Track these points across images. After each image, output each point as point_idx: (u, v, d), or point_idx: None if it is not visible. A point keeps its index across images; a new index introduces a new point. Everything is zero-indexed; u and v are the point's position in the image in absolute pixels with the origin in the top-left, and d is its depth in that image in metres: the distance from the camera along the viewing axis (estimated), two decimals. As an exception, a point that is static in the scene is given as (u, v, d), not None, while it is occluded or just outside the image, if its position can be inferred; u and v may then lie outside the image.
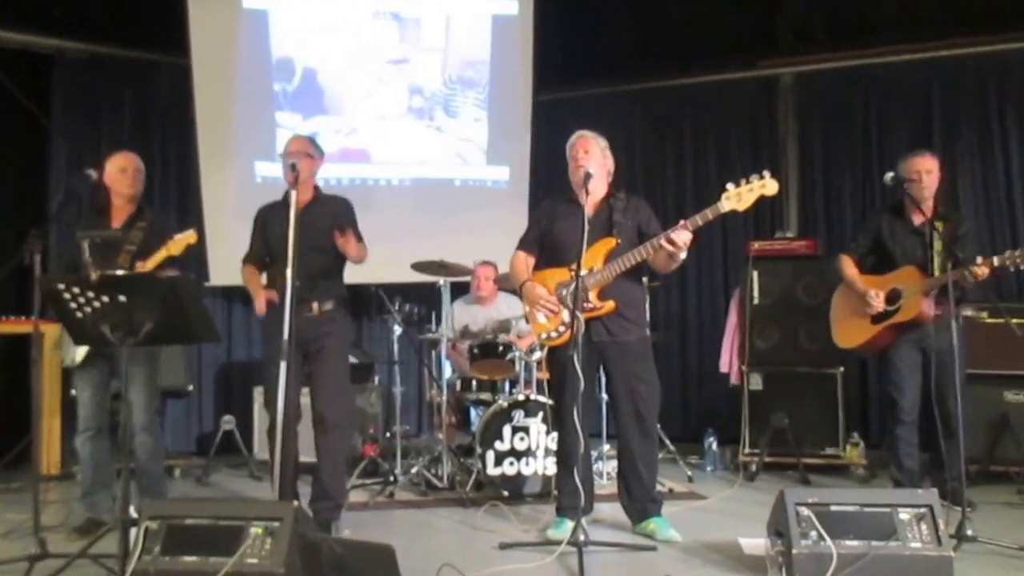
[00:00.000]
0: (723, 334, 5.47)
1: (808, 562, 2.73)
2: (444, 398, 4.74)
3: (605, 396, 4.55)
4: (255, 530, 2.55)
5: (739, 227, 6.19)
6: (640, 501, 3.65)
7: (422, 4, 6.14)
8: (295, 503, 2.72)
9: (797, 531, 2.78)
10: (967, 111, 5.77)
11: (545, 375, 4.27)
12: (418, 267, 4.87)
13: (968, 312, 4.56)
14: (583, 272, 3.38)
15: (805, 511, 2.82)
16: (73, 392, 4.00)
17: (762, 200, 3.43)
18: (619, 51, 6.60)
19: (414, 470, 4.65)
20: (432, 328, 5.22)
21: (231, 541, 2.54)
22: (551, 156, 5.32)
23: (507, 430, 4.31)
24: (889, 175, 3.80)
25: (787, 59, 6.31)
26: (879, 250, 4.17)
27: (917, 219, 4.05)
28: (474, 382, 4.75)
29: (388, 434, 5.17)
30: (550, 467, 4.22)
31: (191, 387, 5.56)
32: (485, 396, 4.71)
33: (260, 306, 3.72)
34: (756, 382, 5.16)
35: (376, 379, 5.68)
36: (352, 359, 5.56)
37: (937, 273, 3.91)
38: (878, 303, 4.02)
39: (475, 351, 4.67)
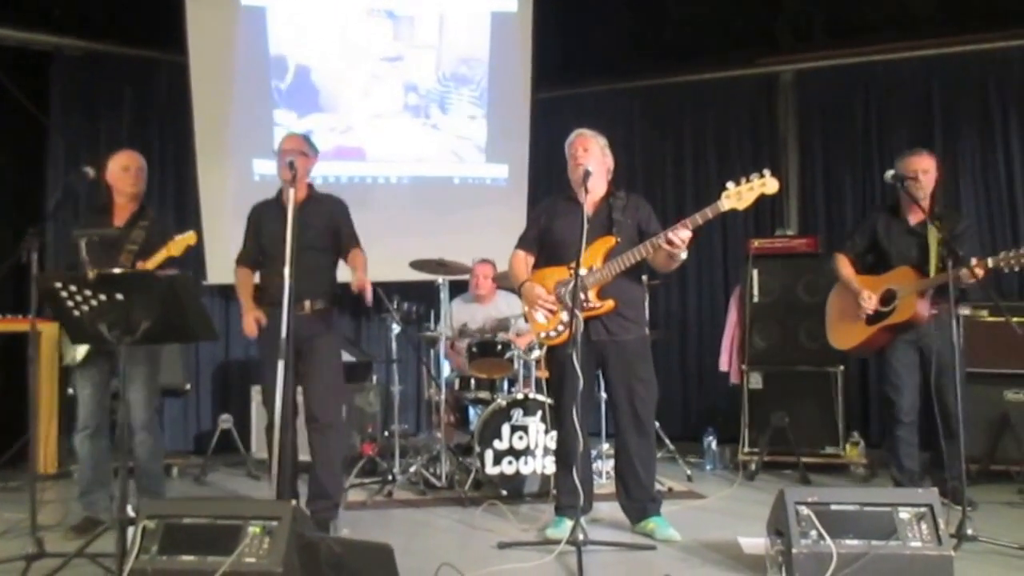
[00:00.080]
0: (723, 333, 5.46)
1: (808, 561, 2.71)
2: (443, 397, 4.73)
3: (604, 395, 4.54)
4: (253, 529, 2.54)
5: (739, 225, 6.18)
6: (639, 500, 3.64)
7: (416, 1, 6.12)
8: (293, 502, 2.71)
9: (797, 530, 2.77)
10: (968, 109, 5.76)
11: (544, 374, 4.27)
12: (417, 265, 4.86)
13: (966, 311, 4.55)
14: (582, 271, 3.37)
15: (805, 510, 2.80)
16: (71, 391, 3.99)
17: (762, 198, 3.42)
18: (619, 48, 6.59)
19: (412, 469, 4.64)
20: (431, 327, 5.20)
21: (229, 540, 2.53)
22: (550, 154, 5.31)
23: (506, 429, 4.30)
24: (890, 173, 3.79)
25: (787, 57, 6.30)
26: (875, 250, 4.16)
27: (913, 219, 4.04)
28: (473, 381, 4.74)
29: (386, 433, 5.16)
30: (549, 466, 4.21)
31: (189, 386, 5.56)
32: (484, 395, 4.70)
33: (248, 327, 3.71)
34: (756, 381, 5.15)
35: (374, 378, 5.67)
36: (350, 358, 5.58)
37: (933, 273, 3.90)
38: (870, 305, 4.01)
39: (474, 350, 4.66)
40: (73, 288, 2.79)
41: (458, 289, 5.39)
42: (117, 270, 3.13)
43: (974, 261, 3.62)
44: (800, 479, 4.71)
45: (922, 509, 2.80)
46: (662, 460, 4.70)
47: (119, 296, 2.78)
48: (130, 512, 2.79)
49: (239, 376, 6.06)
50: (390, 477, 4.56)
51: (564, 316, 3.53)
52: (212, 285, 5.76)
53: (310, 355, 3.66)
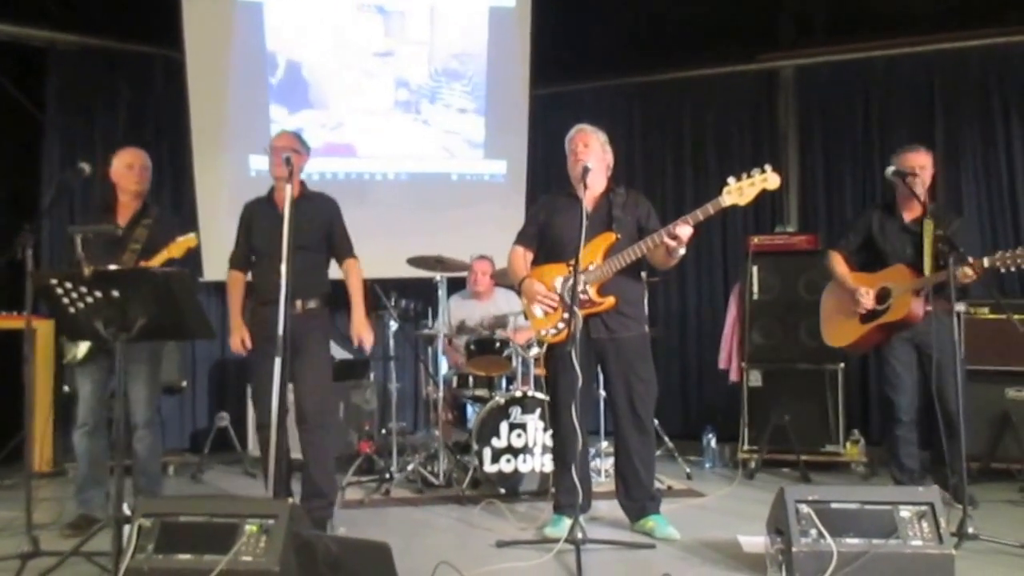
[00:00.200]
0: (722, 330, 5.44)
1: (808, 560, 2.70)
2: (440, 394, 4.70)
3: (603, 393, 4.52)
4: (250, 528, 2.52)
5: (739, 222, 6.16)
6: (638, 499, 3.63)
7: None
8: (290, 500, 2.69)
9: (797, 529, 2.75)
10: (969, 105, 5.74)
11: (542, 371, 4.25)
12: (414, 262, 4.84)
13: (960, 307, 4.52)
14: (582, 268, 3.35)
15: (805, 508, 2.79)
16: (67, 388, 3.97)
17: (763, 194, 3.40)
18: (618, 44, 6.56)
19: (410, 467, 4.62)
20: (428, 324, 5.18)
21: (226, 539, 2.51)
22: (549, 150, 5.30)
23: (504, 427, 4.28)
24: (890, 168, 3.78)
25: (788, 52, 6.29)
26: (870, 247, 4.14)
27: (908, 216, 4.02)
28: (471, 378, 4.72)
29: (384, 431, 5.14)
30: (547, 464, 4.19)
31: (185, 383, 5.54)
32: (482, 392, 4.68)
33: (235, 344, 3.73)
34: (755, 379, 5.13)
35: (372, 375, 5.65)
36: (347, 355, 5.56)
37: (928, 272, 3.88)
38: (868, 301, 3.99)
39: (472, 347, 4.64)
40: (69, 285, 2.78)
41: (456, 286, 5.37)
42: (112, 266, 3.11)
43: (971, 260, 3.61)
44: (800, 477, 4.70)
45: (923, 507, 2.78)
46: (661, 458, 4.69)
47: (115, 293, 2.76)
48: (126, 510, 2.77)
49: (236, 374, 6.03)
50: (388, 475, 4.54)
51: (565, 313, 3.51)
52: (208, 282, 5.74)
53: (301, 354, 3.64)
